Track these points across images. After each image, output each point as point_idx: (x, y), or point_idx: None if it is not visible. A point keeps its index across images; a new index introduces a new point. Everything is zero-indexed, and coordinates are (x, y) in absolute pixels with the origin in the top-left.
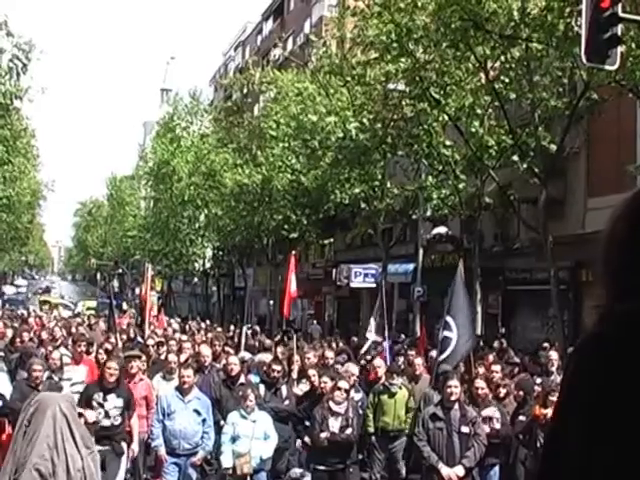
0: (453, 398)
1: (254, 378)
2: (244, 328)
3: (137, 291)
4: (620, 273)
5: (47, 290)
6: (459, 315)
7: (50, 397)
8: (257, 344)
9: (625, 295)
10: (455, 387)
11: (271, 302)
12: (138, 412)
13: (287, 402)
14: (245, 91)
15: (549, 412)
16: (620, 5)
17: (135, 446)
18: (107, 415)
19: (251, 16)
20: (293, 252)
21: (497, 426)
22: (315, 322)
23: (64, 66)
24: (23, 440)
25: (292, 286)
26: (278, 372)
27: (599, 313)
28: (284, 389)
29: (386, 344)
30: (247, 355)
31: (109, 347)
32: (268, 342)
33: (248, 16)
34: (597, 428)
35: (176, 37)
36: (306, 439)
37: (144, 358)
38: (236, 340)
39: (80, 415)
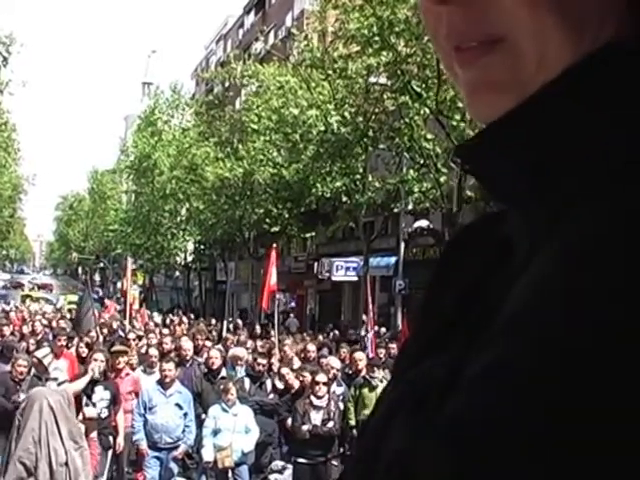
0: None
1: (230, 372)
2: (225, 322)
3: (119, 285)
4: None
5: (19, 285)
6: None
7: (39, 391)
8: (237, 339)
9: None
10: None
11: (253, 296)
12: (124, 407)
13: (272, 396)
14: (227, 85)
15: None
16: None
17: (121, 440)
18: (94, 407)
19: (233, 9)
20: (274, 245)
21: None
22: (292, 316)
23: (45, 59)
24: (17, 435)
25: (272, 279)
26: (263, 366)
27: None
28: (269, 383)
29: (369, 336)
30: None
31: (89, 341)
32: (242, 337)
33: (230, 9)
34: None
35: (158, 30)
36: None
37: (133, 353)
38: (215, 334)
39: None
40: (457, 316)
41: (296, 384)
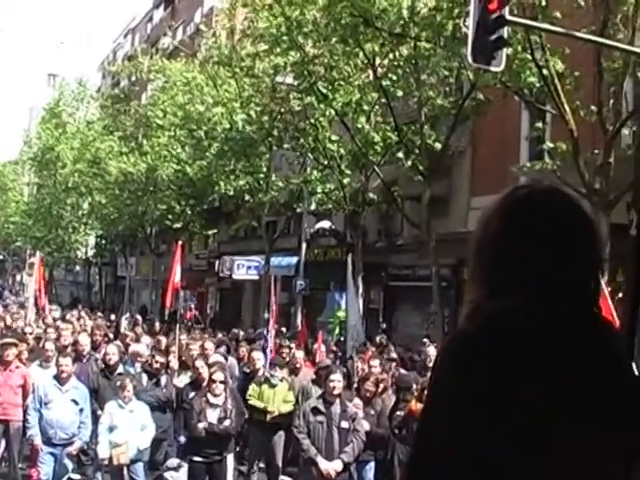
0: (335, 392)
1: (128, 368)
2: (122, 318)
3: (18, 278)
4: (490, 270)
5: None
6: (349, 313)
7: None
8: (134, 335)
9: (494, 292)
10: (338, 382)
11: (153, 292)
12: (14, 401)
13: (165, 390)
14: (133, 79)
15: None
16: (507, 8)
17: None
18: None
19: (142, 3)
20: (180, 242)
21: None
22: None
23: None
24: None
25: (177, 276)
26: (161, 364)
27: (470, 309)
28: (163, 379)
29: (269, 337)
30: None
31: None
32: (141, 333)
33: (139, 3)
34: (459, 422)
35: (65, 21)
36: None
37: (24, 346)
38: (114, 329)
39: None
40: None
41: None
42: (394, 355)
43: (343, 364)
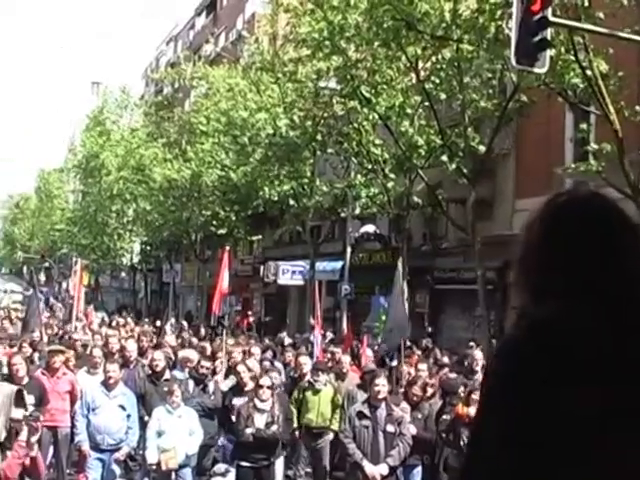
0: (380, 397)
1: (178, 374)
2: (167, 324)
3: (64, 285)
4: (534, 276)
5: None
6: (392, 312)
7: None
8: (180, 340)
9: (539, 298)
10: (383, 386)
11: (198, 298)
12: (61, 407)
13: (212, 398)
14: (176, 86)
15: (472, 410)
16: (550, 9)
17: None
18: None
19: (184, 11)
20: (227, 248)
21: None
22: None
23: None
24: None
25: (224, 282)
26: (207, 368)
27: (517, 315)
28: (211, 385)
29: (315, 341)
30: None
31: (34, 341)
32: (193, 339)
33: (181, 11)
34: (506, 430)
35: (109, 31)
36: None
37: (71, 353)
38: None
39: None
40: None
41: (250, 384)
42: (446, 360)
43: (387, 368)
